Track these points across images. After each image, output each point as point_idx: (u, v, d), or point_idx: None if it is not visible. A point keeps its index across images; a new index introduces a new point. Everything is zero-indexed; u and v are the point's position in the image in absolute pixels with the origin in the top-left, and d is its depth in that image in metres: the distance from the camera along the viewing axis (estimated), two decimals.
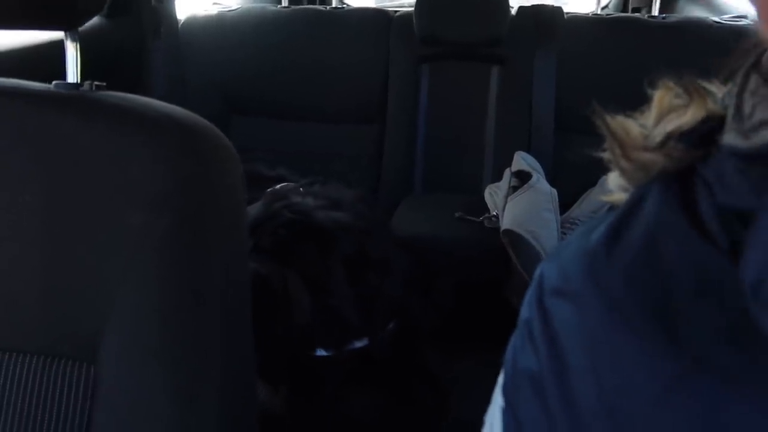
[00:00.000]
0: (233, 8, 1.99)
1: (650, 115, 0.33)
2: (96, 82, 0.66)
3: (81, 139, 0.60)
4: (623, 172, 0.33)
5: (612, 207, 0.35)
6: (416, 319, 1.18)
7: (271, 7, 2.00)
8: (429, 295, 1.26)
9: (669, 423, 0.26)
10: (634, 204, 0.31)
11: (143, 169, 0.59)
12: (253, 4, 2.16)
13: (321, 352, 1.05)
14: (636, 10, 2.18)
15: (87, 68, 0.67)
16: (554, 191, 1.45)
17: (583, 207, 1.59)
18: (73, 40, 0.67)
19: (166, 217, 0.59)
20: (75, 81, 0.67)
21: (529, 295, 0.35)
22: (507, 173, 1.54)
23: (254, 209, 1.04)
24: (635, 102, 0.34)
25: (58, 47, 0.69)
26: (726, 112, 0.29)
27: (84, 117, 0.61)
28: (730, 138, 0.27)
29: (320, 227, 1.01)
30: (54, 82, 0.66)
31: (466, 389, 1.05)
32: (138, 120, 0.61)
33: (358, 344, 1.07)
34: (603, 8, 2.35)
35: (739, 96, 0.27)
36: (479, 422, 0.38)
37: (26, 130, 0.61)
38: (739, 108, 0.27)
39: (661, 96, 0.32)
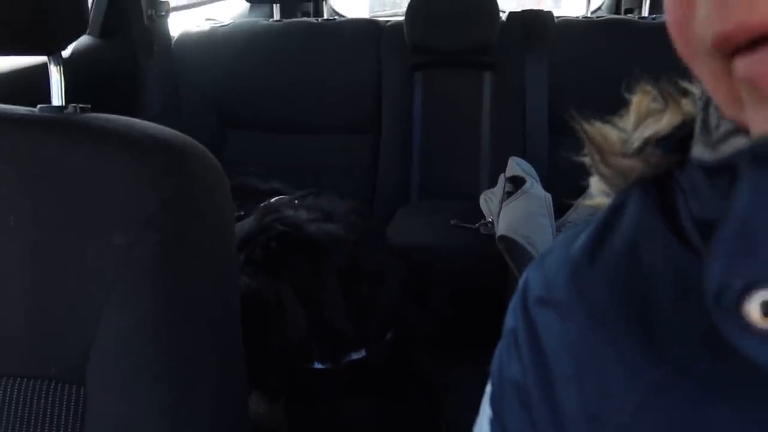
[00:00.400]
0: (225, 23, 2.00)
1: (629, 120, 0.33)
2: (80, 105, 0.67)
3: (65, 161, 0.61)
4: (603, 177, 0.33)
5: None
6: (413, 327, 1.18)
7: (263, 21, 2.01)
8: (425, 304, 1.26)
9: (651, 429, 0.26)
10: (615, 210, 0.32)
11: (127, 190, 0.60)
12: (246, 19, 2.17)
13: (318, 365, 1.05)
14: (629, 11, 2.19)
15: (81, 89, 0.68)
16: (549, 196, 1.44)
17: (579, 211, 1.59)
18: (57, 63, 0.68)
19: (152, 237, 0.59)
20: (60, 104, 0.68)
21: (514, 304, 0.35)
22: (501, 179, 1.54)
23: (246, 223, 1.05)
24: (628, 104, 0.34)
25: (44, 71, 0.70)
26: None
27: (68, 140, 0.62)
28: (697, 151, 0.27)
29: (312, 239, 1.02)
30: (39, 106, 0.66)
31: (462, 396, 1.05)
32: (122, 141, 0.62)
33: (356, 356, 1.07)
34: (595, 11, 2.36)
35: (705, 110, 0.27)
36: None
37: (11, 154, 0.61)
38: (705, 121, 0.27)
39: (639, 100, 0.33)
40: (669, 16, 0.24)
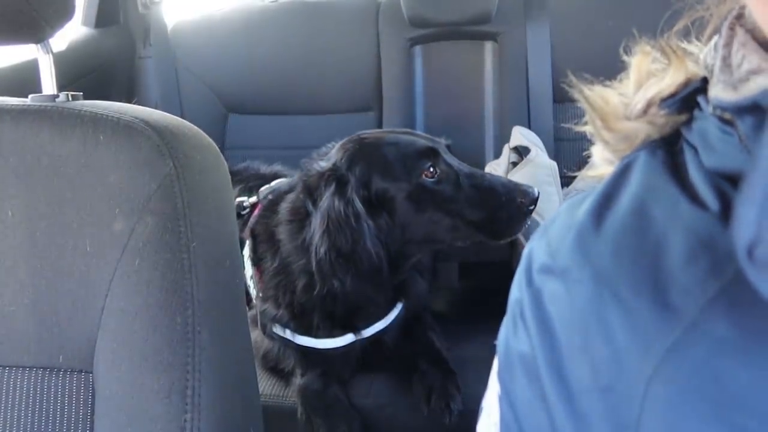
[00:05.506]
0: (221, 8, 1.98)
1: (629, 83, 0.32)
2: (72, 93, 0.66)
3: (58, 150, 0.61)
4: (606, 144, 0.33)
5: None
6: (422, 301, 1.17)
7: (258, 3, 1.99)
8: (434, 277, 1.26)
9: (666, 398, 0.25)
10: (622, 173, 0.31)
11: (121, 175, 0.59)
12: (241, 2, 2.15)
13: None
14: None
15: (80, 81, 0.67)
16: (554, 164, 1.42)
17: (586, 180, 1.57)
18: (46, 52, 0.67)
19: (149, 221, 0.59)
20: (51, 93, 0.67)
21: (518, 275, 0.34)
22: (505, 149, 1.52)
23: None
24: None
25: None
26: (708, 72, 0.28)
27: (60, 128, 0.61)
28: (718, 91, 0.26)
29: None
30: (30, 96, 0.66)
31: (473, 370, 1.05)
32: (114, 126, 0.61)
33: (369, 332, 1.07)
34: None
35: (727, 48, 0.27)
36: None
37: (4, 146, 0.61)
38: (726, 59, 0.26)
39: (639, 61, 0.32)
40: None
